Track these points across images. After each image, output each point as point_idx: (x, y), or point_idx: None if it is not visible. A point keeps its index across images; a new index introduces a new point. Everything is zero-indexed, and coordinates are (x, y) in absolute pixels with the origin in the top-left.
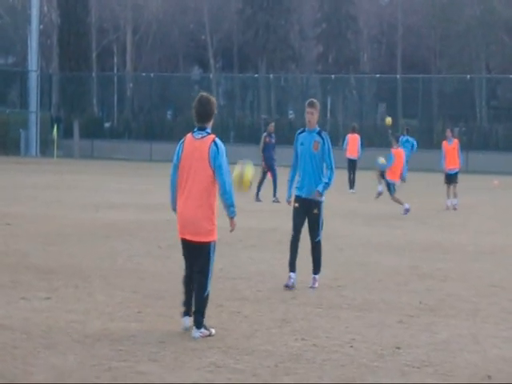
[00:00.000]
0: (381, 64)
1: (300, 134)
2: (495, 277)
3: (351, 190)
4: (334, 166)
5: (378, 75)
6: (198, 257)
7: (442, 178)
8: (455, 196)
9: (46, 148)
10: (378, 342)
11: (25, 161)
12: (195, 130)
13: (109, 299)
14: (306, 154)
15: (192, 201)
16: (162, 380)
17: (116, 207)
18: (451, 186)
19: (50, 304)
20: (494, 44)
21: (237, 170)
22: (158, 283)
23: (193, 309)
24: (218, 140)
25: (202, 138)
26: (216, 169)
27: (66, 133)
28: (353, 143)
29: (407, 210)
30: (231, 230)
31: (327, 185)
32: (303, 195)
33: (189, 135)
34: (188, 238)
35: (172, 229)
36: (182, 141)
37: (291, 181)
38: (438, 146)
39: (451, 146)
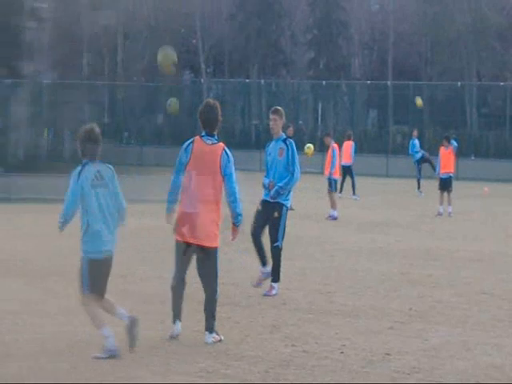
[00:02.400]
0: (372, 70)
1: (268, 145)
2: (485, 284)
3: (354, 197)
4: (297, 173)
5: (368, 82)
6: (205, 261)
7: (434, 184)
8: (450, 203)
9: None
10: (368, 348)
11: None
12: (203, 134)
13: None
14: (273, 162)
15: (201, 205)
16: None
17: None
18: (445, 193)
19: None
20: (485, 51)
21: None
22: (147, 288)
23: (182, 314)
24: (227, 149)
25: (213, 144)
26: (226, 177)
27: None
28: (347, 150)
29: (333, 217)
30: (233, 239)
31: (280, 188)
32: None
33: (198, 138)
34: (193, 241)
35: (162, 234)
36: (189, 142)
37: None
38: (430, 153)
39: (447, 151)
